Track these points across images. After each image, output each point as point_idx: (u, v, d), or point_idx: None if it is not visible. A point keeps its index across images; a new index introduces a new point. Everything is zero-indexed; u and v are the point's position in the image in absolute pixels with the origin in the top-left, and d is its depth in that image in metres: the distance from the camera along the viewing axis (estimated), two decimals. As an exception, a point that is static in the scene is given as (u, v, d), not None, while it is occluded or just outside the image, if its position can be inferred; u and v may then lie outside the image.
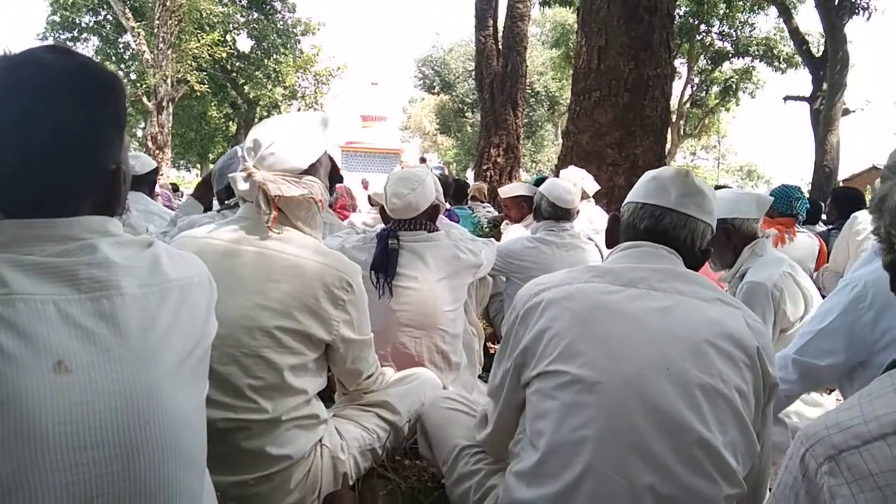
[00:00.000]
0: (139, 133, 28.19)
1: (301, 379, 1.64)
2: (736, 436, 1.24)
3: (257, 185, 1.59)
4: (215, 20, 22.39)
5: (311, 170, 1.68)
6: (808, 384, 1.70)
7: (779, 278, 2.24)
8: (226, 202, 2.68)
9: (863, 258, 1.68)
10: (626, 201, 1.54)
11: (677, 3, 5.97)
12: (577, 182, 4.40)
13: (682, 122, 26.55)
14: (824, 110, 15.17)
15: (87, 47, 26.11)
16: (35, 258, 0.89)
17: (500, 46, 10.86)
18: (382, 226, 2.61)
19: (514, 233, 4.23)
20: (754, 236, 2.36)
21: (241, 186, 1.62)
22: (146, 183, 3.76)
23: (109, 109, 0.98)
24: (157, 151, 20.30)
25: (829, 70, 14.99)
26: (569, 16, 23.07)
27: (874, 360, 1.52)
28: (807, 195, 4.08)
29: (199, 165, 34.19)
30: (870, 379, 1.51)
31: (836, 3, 14.68)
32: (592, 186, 4.56)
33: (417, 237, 2.45)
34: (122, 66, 25.90)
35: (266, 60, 25.74)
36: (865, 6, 14.92)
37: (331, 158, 3.33)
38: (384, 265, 2.37)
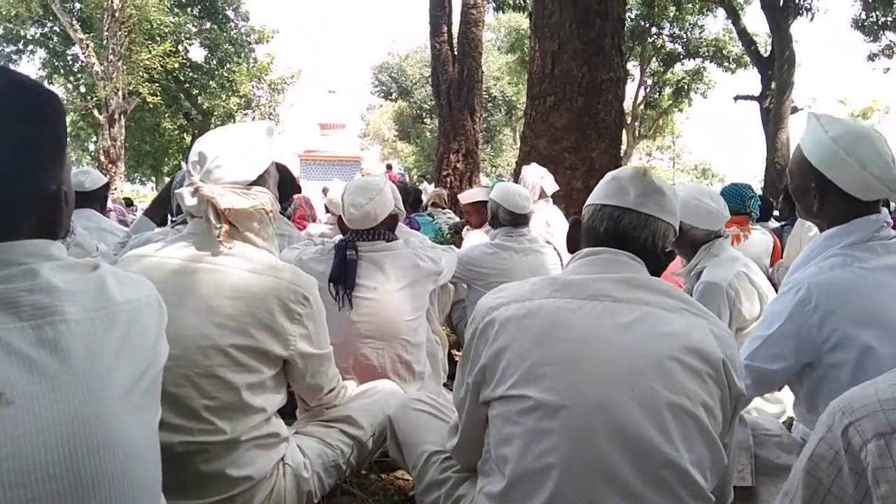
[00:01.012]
0: (91, 147, 27.58)
1: (259, 397, 1.60)
2: (703, 452, 1.22)
3: (206, 199, 1.55)
4: (166, 30, 22.02)
5: (260, 180, 1.65)
6: (761, 388, 1.74)
7: (734, 278, 2.27)
8: (173, 219, 2.61)
9: (800, 259, 1.71)
10: (586, 203, 1.50)
11: (627, 6, 6.08)
12: (536, 182, 4.44)
13: (636, 123, 27.01)
14: (773, 109, 15.61)
15: (34, 60, 25.50)
16: None
17: (456, 52, 10.91)
18: (340, 236, 2.58)
19: (475, 238, 4.22)
20: (699, 243, 2.40)
21: (189, 202, 1.58)
22: (97, 199, 3.65)
23: (49, 128, 0.95)
24: (110, 165, 19.90)
25: (776, 69, 15.43)
26: (523, 21, 23.26)
27: (823, 360, 1.55)
28: (759, 192, 4.16)
29: (153, 178, 33.58)
30: (819, 379, 1.56)
31: (781, 4, 15.13)
32: (552, 186, 4.58)
33: (376, 247, 2.43)
34: (71, 78, 25.28)
35: (220, 70, 25.41)
36: (808, 7, 15.45)
37: (286, 169, 3.29)
38: (343, 277, 2.34)
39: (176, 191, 1.68)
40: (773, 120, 15.55)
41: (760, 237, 4.01)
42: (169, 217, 2.78)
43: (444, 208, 7.25)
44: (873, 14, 17.44)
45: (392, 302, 2.38)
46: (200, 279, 1.57)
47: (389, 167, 18.34)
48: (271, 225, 1.69)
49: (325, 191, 13.32)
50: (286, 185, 3.21)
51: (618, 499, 1.17)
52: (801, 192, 1.69)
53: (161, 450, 1.04)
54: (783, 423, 2.10)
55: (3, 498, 0.80)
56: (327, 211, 5.01)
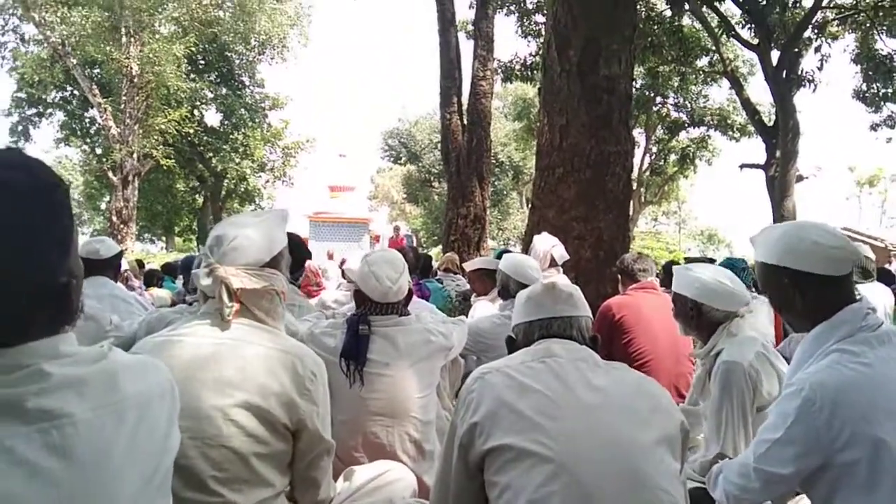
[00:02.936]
0: (103, 206, 27.99)
1: (267, 469, 1.61)
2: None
3: (219, 279, 1.62)
4: (183, 96, 22.62)
5: (273, 263, 1.73)
6: (771, 491, 1.71)
7: (754, 358, 2.27)
8: (185, 298, 2.66)
9: (796, 360, 1.73)
10: (513, 325, 1.77)
11: (633, 79, 6.26)
12: (547, 251, 4.47)
13: (642, 189, 27.28)
14: (779, 177, 15.75)
15: (53, 122, 26.14)
16: None
17: (465, 122, 11.18)
18: (353, 304, 2.58)
19: (481, 308, 4.22)
20: (717, 324, 2.40)
21: (204, 282, 1.66)
22: (111, 267, 3.70)
23: (54, 223, 0.91)
24: (122, 225, 20.14)
25: (781, 139, 15.63)
26: (530, 90, 23.85)
27: (835, 461, 1.52)
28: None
29: (164, 238, 33.93)
30: (834, 480, 1.55)
31: (784, 76, 15.47)
32: (562, 255, 4.60)
33: (388, 322, 2.42)
34: (88, 140, 25.89)
35: (234, 134, 25.97)
36: (811, 79, 15.77)
37: (298, 238, 3.33)
38: (354, 352, 2.33)
39: (193, 272, 1.75)
40: (778, 188, 15.68)
41: (762, 307, 3.99)
42: (186, 296, 2.82)
43: (455, 273, 7.28)
44: (874, 86, 17.78)
45: (404, 378, 2.36)
46: (212, 354, 1.61)
47: (397, 229, 18.61)
48: (281, 305, 1.76)
49: (329, 255, 13.44)
50: (299, 254, 3.26)
51: None
52: (782, 296, 1.74)
53: None
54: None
55: None
56: (343, 276, 5.03)
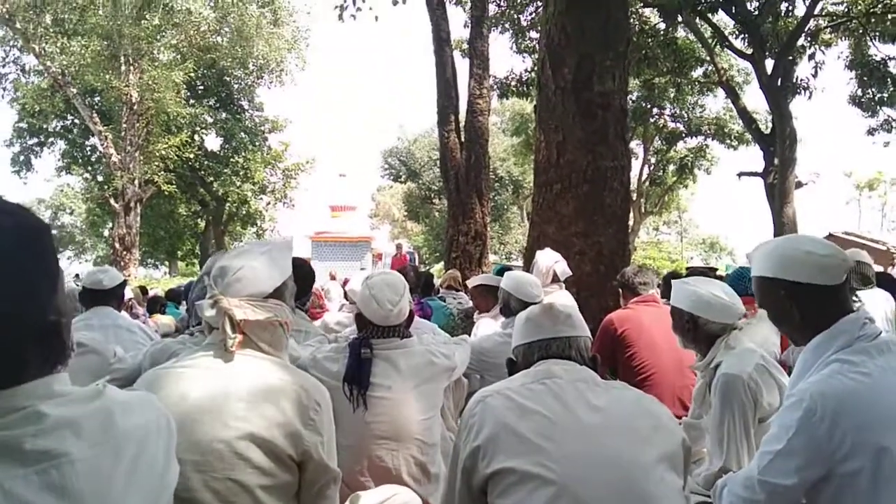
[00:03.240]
0: (106, 233, 28.08)
1: (273, 500, 1.61)
2: None
3: (223, 310, 1.63)
4: (183, 121, 22.77)
5: (277, 293, 1.74)
6: (776, 503, 1.72)
7: (753, 370, 2.28)
8: (189, 329, 2.68)
9: (797, 371, 1.75)
10: (513, 347, 1.79)
11: (629, 93, 6.31)
12: (550, 266, 4.48)
13: (642, 200, 27.32)
14: (778, 184, 15.74)
15: (54, 151, 26.32)
16: None
17: (463, 140, 11.24)
18: (355, 327, 2.60)
19: (484, 325, 4.22)
20: (714, 336, 2.42)
21: (208, 313, 1.67)
22: (114, 297, 3.72)
23: (41, 264, 0.93)
24: (125, 252, 20.21)
25: (778, 146, 15.65)
26: (527, 105, 23.97)
27: (837, 471, 1.54)
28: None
29: (167, 263, 34.01)
30: (835, 490, 1.56)
31: (779, 84, 15.54)
32: (564, 271, 4.60)
33: (391, 344, 2.43)
34: (89, 168, 26.04)
35: (234, 158, 26.11)
36: (806, 86, 15.83)
37: (306, 264, 3.34)
38: (357, 376, 2.35)
39: (196, 303, 1.77)
40: (778, 195, 15.67)
41: (766, 314, 3.98)
42: (190, 324, 2.84)
43: (457, 290, 7.29)
44: (869, 91, 17.82)
45: (407, 401, 2.37)
46: (216, 386, 1.61)
47: (399, 247, 18.67)
48: (285, 336, 1.77)
49: (332, 275, 13.46)
50: (305, 280, 3.28)
51: None
52: (779, 308, 1.77)
53: None
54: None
55: None
56: (346, 297, 5.04)
